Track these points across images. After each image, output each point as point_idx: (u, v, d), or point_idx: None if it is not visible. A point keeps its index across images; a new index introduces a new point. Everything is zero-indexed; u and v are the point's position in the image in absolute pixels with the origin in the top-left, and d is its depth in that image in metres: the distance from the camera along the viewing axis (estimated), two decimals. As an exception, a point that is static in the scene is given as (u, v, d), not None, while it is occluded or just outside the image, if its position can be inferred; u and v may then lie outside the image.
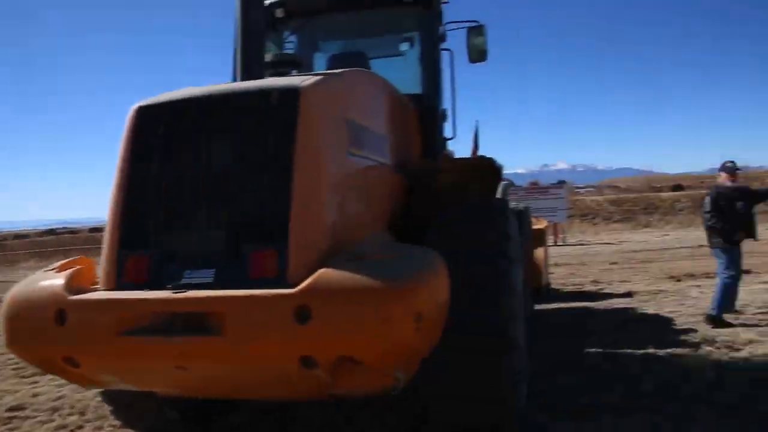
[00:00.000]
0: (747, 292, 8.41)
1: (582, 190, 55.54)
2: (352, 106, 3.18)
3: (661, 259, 13.49)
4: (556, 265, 13.23)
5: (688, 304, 7.87)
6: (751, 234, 7.20)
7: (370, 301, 2.32)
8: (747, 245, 7.29)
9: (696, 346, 5.94)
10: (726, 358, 5.56)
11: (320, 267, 2.45)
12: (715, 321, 6.79)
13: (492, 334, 3.02)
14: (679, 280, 10.18)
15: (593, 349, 5.99)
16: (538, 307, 8.31)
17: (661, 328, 6.78)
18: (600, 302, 8.61)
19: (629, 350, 5.89)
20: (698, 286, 9.55)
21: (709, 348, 5.86)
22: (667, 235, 20.53)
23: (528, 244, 6.76)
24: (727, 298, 7.02)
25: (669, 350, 5.78)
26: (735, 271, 7.06)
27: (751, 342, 5.94)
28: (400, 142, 4.04)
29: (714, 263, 7.70)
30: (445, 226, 3.35)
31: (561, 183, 24.84)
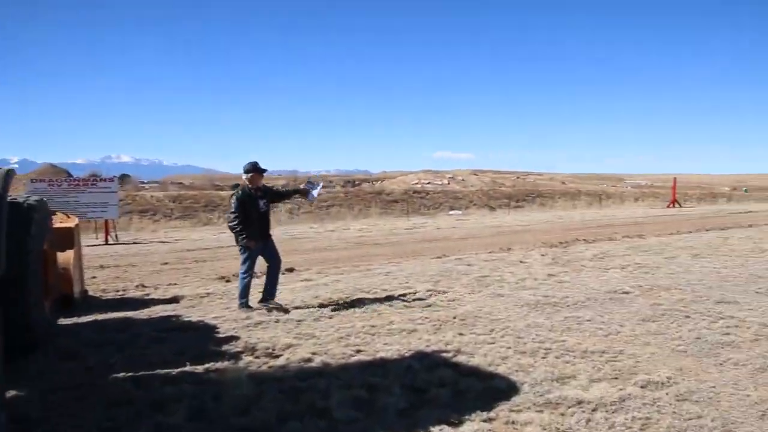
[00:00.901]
0: (289, 291, 8.58)
1: (146, 185, 54.14)
2: None
3: (214, 258, 13.21)
4: (102, 267, 11.81)
5: (233, 308, 7.53)
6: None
7: None
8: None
9: (237, 356, 5.53)
10: (265, 367, 5.25)
11: None
12: (246, 306, 7.40)
13: None
14: (228, 281, 9.88)
15: (123, 373, 5.06)
16: (66, 321, 6.98)
17: (203, 338, 6.19)
18: (142, 310, 7.64)
19: (164, 369, 5.15)
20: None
21: (249, 357, 5.51)
22: (224, 233, 20.73)
23: (47, 244, 5.43)
24: (245, 291, 7.46)
25: (208, 364, 5.23)
26: (248, 267, 7.42)
27: (290, 346, 5.80)
28: None
29: (260, 259, 7.60)
30: None
31: (125, 177, 23.10)
